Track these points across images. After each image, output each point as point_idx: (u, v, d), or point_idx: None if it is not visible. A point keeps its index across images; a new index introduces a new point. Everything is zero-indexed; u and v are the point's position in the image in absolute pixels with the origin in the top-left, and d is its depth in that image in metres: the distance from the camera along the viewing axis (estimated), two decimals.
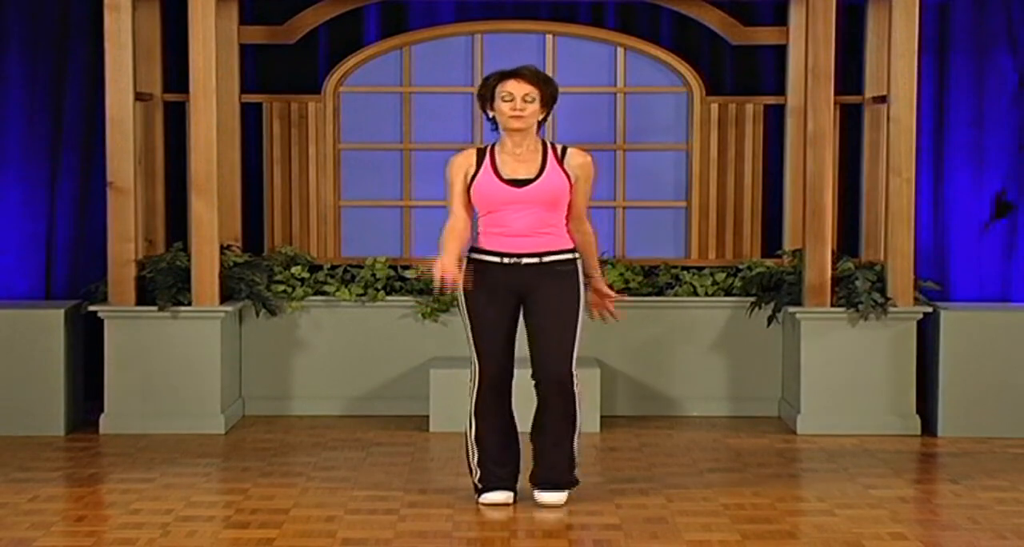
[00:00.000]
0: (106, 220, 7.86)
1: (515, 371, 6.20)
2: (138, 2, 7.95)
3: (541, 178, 6.09)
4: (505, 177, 6.10)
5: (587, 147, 6.44)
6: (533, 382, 6.16)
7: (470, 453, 6.23)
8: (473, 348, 6.15)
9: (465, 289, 6.09)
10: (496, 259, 6.12)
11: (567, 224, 6.17)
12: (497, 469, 6.21)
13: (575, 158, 6.16)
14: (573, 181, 6.13)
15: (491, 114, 6.16)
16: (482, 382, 6.15)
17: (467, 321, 6.15)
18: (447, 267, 6.01)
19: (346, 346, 8.35)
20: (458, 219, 6.20)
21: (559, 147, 6.20)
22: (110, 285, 7.85)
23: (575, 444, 6.24)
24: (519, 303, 6.15)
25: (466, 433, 6.24)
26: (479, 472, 6.23)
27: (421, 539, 5.73)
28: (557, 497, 6.20)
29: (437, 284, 6.05)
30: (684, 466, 7.08)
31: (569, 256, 6.16)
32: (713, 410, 8.34)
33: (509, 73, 6.13)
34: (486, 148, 6.20)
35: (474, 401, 6.18)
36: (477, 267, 6.13)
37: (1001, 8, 8.37)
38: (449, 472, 6.88)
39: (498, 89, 6.11)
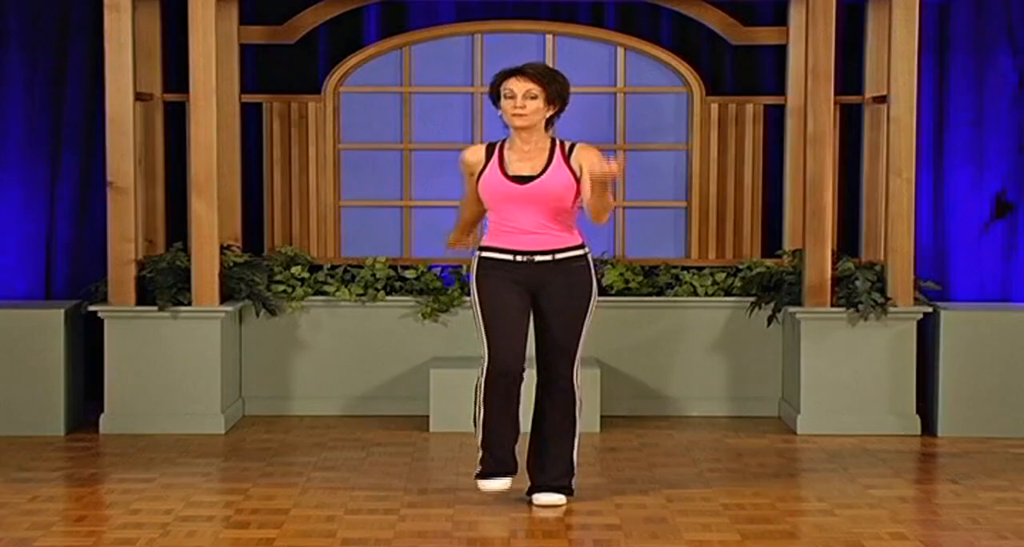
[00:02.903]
0: (106, 220, 7.86)
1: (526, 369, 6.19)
2: (138, 2, 7.95)
3: (544, 176, 6.07)
4: (510, 174, 6.10)
5: None
6: (536, 382, 6.17)
7: (476, 433, 6.23)
8: (485, 341, 6.10)
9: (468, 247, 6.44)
10: (509, 257, 6.11)
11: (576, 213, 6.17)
12: (498, 451, 6.18)
13: (580, 154, 6.12)
14: (579, 175, 6.11)
15: (500, 112, 6.16)
16: (490, 372, 6.09)
17: (478, 313, 6.12)
18: (453, 241, 6.49)
19: (346, 346, 8.34)
20: (468, 202, 6.35)
21: (568, 144, 6.17)
22: (110, 285, 7.85)
23: (574, 452, 6.24)
24: (531, 298, 6.14)
25: (474, 416, 6.23)
26: (480, 453, 6.22)
27: (421, 539, 5.73)
28: (557, 498, 6.20)
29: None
30: (684, 466, 7.08)
31: (581, 252, 6.16)
32: (713, 410, 8.34)
33: (513, 71, 6.12)
34: (496, 144, 6.20)
35: (482, 392, 6.13)
36: (489, 264, 6.13)
37: (1001, 8, 8.37)
38: (449, 472, 6.88)
39: (502, 87, 6.11)
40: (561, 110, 6.16)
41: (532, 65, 6.15)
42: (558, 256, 6.12)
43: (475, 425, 6.22)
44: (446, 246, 6.55)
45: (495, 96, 6.16)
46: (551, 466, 6.21)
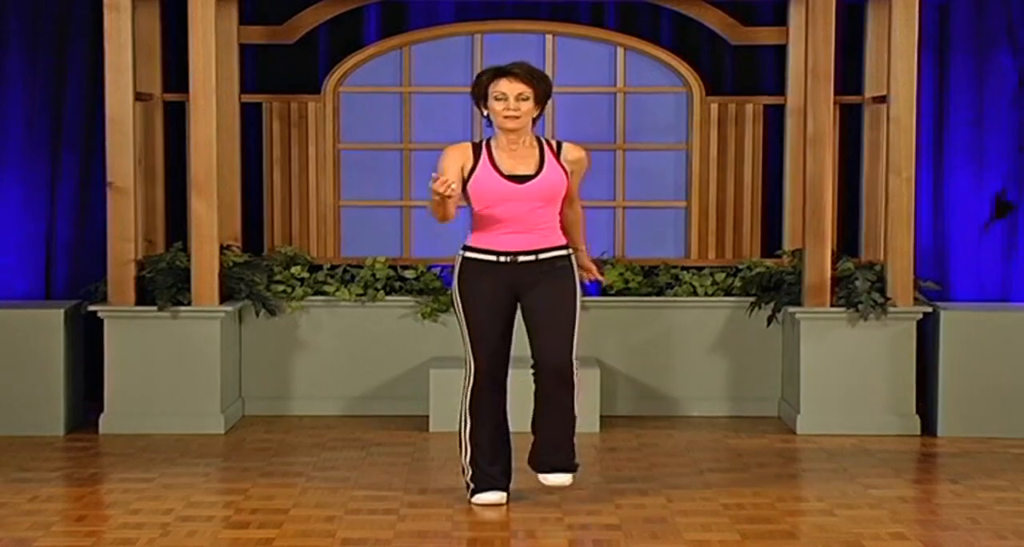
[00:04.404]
0: (106, 220, 7.86)
1: (511, 370, 6.19)
2: (138, 2, 7.95)
3: (542, 174, 6.07)
4: (506, 173, 6.09)
5: (587, 147, 6.42)
6: (532, 372, 6.12)
7: (463, 451, 6.21)
8: (469, 346, 6.13)
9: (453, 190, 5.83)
10: (492, 258, 6.10)
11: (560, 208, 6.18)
12: (489, 467, 6.19)
13: (571, 153, 6.16)
14: (569, 175, 6.13)
15: (485, 112, 6.15)
16: (477, 380, 6.13)
17: (462, 319, 6.14)
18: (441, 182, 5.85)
19: (346, 346, 8.34)
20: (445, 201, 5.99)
21: (554, 142, 6.19)
22: (110, 285, 7.85)
23: (575, 434, 6.19)
24: (515, 301, 6.13)
25: (459, 431, 6.22)
26: (471, 471, 6.21)
27: (421, 539, 5.73)
28: (564, 478, 6.17)
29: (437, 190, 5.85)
30: (684, 466, 7.08)
31: (564, 252, 6.15)
32: (713, 410, 8.34)
33: (502, 71, 6.08)
34: (481, 143, 6.18)
35: (468, 398, 6.16)
36: (472, 266, 6.12)
37: (1001, 8, 8.37)
38: (449, 472, 6.88)
39: (491, 88, 6.08)
40: (543, 108, 6.17)
41: (518, 65, 6.11)
42: (541, 256, 6.11)
43: (461, 443, 6.21)
44: (430, 213, 6.11)
45: (480, 95, 6.13)
46: (558, 448, 6.14)
